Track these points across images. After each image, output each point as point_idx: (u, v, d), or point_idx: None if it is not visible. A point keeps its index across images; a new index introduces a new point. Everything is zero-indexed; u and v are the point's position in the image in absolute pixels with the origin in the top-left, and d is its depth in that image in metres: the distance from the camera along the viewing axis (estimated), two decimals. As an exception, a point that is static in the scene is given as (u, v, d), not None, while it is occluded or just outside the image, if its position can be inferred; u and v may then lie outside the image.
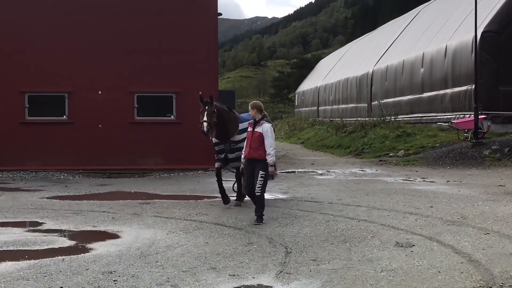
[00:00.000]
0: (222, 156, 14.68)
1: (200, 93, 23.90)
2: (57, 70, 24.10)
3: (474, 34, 27.68)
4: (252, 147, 11.98)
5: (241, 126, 14.31)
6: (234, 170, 15.16)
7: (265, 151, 11.90)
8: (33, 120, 24.09)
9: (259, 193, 11.96)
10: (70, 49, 24.19)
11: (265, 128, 12.04)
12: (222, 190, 14.54)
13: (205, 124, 13.23)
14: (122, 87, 24.32)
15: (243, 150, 12.60)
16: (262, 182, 11.91)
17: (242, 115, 15.33)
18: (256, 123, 12.18)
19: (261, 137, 11.94)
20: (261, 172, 11.86)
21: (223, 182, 14.81)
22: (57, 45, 24.20)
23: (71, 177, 22.30)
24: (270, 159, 11.89)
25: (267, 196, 16.46)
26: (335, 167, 24.68)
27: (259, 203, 12.08)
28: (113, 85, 24.31)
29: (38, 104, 24.31)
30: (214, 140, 14.66)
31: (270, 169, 11.95)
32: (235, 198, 15.04)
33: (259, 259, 9.07)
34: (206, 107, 13.39)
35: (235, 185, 15.22)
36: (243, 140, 13.39)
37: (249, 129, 12.36)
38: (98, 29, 24.37)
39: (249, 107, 12.49)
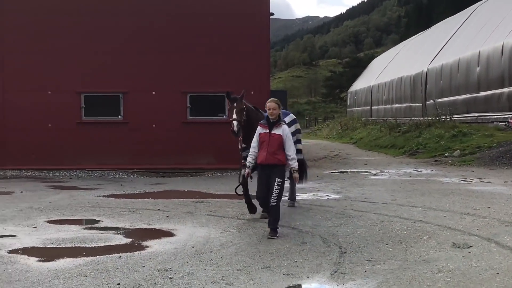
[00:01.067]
0: None
1: (252, 92, 24.22)
2: (112, 71, 24.40)
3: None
4: (269, 152, 10.58)
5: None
6: None
7: (284, 155, 10.69)
8: (89, 120, 24.44)
9: (274, 203, 10.59)
10: (125, 50, 24.49)
11: (286, 129, 10.81)
12: (248, 199, 12.97)
13: (235, 122, 11.87)
14: (175, 88, 24.52)
15: (251, 153, 11.10)
16: (278, 190, 10.58)
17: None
18: (274, 124, 10.81)
19: (280, 139, 10.62)
20: (277, 179, 10.54)
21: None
22: (112, 46, 24.52)
23: (126, 176, 22.57)
24: (294, 164, 10.75)
25: (320, 195, 16.46)
26: (389, 167, 24.48)
27: (275, 215, 10.70)
28: (167, 86, 24.53)
29: (93, 104, 24.65)
30: (240, 144, 12.99)
31: (295, 175, 10.95)
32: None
33: (313, 258, 9.06)
34: (235, 104, 12.12)
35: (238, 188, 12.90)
36: None
37: (262, 130, 10.87)
38: (153, 31, 24.60)
39: (274, 103, 10.94)
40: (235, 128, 11.80)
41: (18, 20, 24.42)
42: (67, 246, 10.05)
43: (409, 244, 9.96)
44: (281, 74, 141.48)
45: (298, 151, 12.97)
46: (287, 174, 11.37)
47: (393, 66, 61.08)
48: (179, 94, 24.57)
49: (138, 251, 9.74)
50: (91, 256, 9.36)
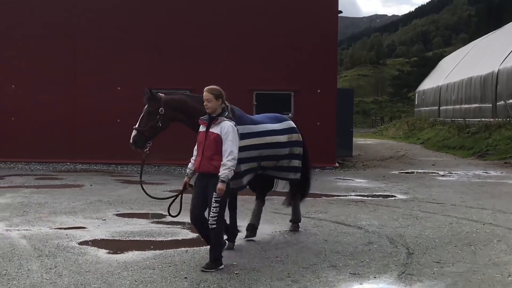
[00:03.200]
0: None
1: (318, 91, 24.17)
2: (185, 70, 24.60)
3: None
4: (205, 156, 8.15)
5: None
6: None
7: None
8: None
9: (214, 225, 8.08)
10: (193, 47, 24.66)
11: (226, 127, 8.11)
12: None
13: (133, 132, 9.28)
14: (242, 85, 24.56)
15: (192, 158, 8.63)
16: (217, 209, 8.02)
17: (256, 117, 11.03)
18: (212, 120, 8.26)
19: (218, 139, 8.07)
20: (215, 194, 7.94)
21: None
22: (180, 42, 24.74)
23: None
24: (222, 171, 7.95)
25: (386, 195, 16.27)
26: (458, 168, 24.11)
27: (214, 240, 8.23)
28: (233, 83, 24.60)
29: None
30: None
31: (219, 185, 7.88)
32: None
33: (380, 259, 8.99)
34: (146, 106, 9.28)
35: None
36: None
37: (201, 128, 8.37)
38: (222, 30, 24.69)
39: (209, 94, 8.32)
40: (131, 140, 9.25)
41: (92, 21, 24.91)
42: (135, 239, 10.22)
43: (479, 247, 9.80)
44: (347, 73, 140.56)
45: (294, 169, 10.60)
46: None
47: (463, 66, 60.06)
48: (245, 91, 24.57)
49: (204, 246, 9.79)
50: (159, 250, 9.52)
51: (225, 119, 8.19)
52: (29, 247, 9.66)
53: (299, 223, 11.27)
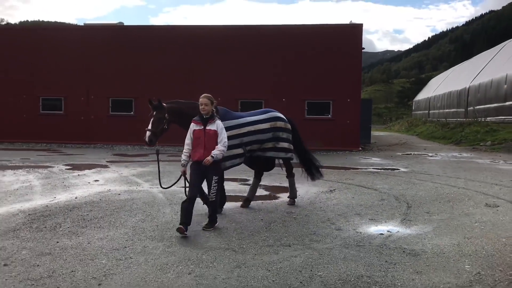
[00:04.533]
0: None
1: (348, 100, 24.00)
2: (257, 85, 24.77)
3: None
4: (207, 148, 7.24)
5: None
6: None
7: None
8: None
9: (213, 199, 7.35)
10: (265, 72, 24.77)
11: (220, 124, 7.43)
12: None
13: (147, 133, 8.14)
14: (298, 96, 24.59)
15: (185, 151, 7.47)
16: (216, 186, 7.35)
17: (244, 113, 9.34)
18: (208, 120, 7.37)
19: (216, 135, 7.32)
20: (214, 177, 7.27)
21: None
22: (257, 71, 24.88)
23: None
24: (215, 152, 7.18)
25: (393, 168, 16.04)
26: (441, 151, 23.55)
27: (213, 208, 7.44)
28: (292, 95, 24.62)
29: (246, 106, 25.09)
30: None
31: (208, 158, 7.10)
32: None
33: (389, 210, 8.89)
34: (154, 113, 8.20)
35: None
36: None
37: (196, 127, 7.35)
38: (284, 62, 24.74)
39: (206, 99, 7.39)
40: (147, 139, 8.15)
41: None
42: (229, 194, 10.33)
43: (455, 203, 9.58)
44: (367, 89, 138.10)
45: (283, 150, 9.39)
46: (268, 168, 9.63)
47: (445, 83, 59.42)
48: (299, 100, 24.61)
49: (273, 200, 9.89)
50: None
51: (218, 119, 7.45)
52: (164, 198, 9.90)
53: (295, 199, 9.66)
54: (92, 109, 26.02)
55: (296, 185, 10.00)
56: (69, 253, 6.04)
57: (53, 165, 15.99)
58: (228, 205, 9.06)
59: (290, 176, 9.76)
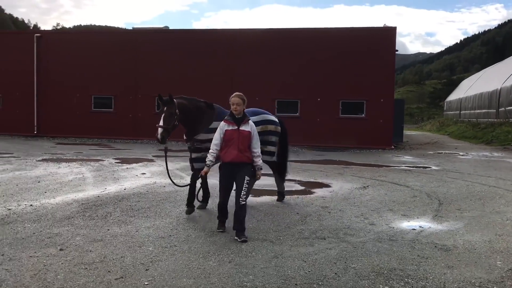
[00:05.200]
0: (193, 156, 7.91)
1: (382, 100, 23.67)
2: (294, 85, 24.69)
3: None
4: (240, 149, 6.42)
5: (214, 124, 7.40)
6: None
7: (251, 153, 6.55)
8: (282, 116, 24.88)
9: (244, 202, 6.38)
10: (302, 74, 24.67)
11: (253, 126, 6.64)
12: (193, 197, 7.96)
13: (159, 130, 7.24)
14: (333, 96, 24.40)
15: (212, 151, 6.59)
16: (247, 189, 6.44)
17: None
18: (241, 120, 6.53)
19: (250, 136, 6.50)
20: (247, 177, 6.42)
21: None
22: (294, 71, 24.80)
23: (300, 149, 22.76)
24: (259, 162, 6.60)
25: (425, 166, 15.70)
26: (472, 151, 22.94)
27: (243, 214, 6.40)
28: (327, 95, 24.45)
29: (281, 106, 25.06)
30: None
31: (258, 172, 6.63)
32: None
33: (421, 206, 8.73)
34: (165, 108, 7.34)
35: (200, 192, 8.29)
36: (209, 140, 7.09)
37: (228, 126, 6.49)
38: (319, 63, 24.58)
39: (239, 99, 6.53)
40: (159, 136, 7.22)
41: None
42: (266, 189, 10.32)
43: (486, 201, 9.33)
44: (399, 89, 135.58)
45: (269, 153, 8.57)
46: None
47: (476, 85, 57.78)
48: (334, 100, 24.43)
49: (308, 195, 9.82)
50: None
51: (250, 119, 6.65)
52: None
53: (284, 194, 9.15)
54: (139, 107, 26.49)
55: (331, 181, 9.93)
56: (119, 240, 6.17)
57: (103, 159, 16.35)
58: (265, 198, 9.08)
59: (276, 176, 9.21)
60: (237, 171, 6.43)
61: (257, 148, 6.56)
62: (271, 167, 9.12)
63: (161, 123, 7.24)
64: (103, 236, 6.35)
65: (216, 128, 6.82)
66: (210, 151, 6.60)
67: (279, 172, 9.17)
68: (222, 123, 6.57)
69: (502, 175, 13.55)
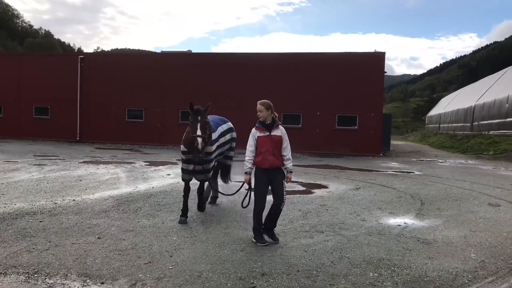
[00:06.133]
0: (191, 167, 6.73)
1: (372, 114, 23.57)
2: (297, 101, 24.63)
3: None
4: (275, 154, 5.67)
5: (214, 135, 6.91)
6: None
7: (282, 157, 5.75)
8: (287, 127, 24.85)
9: (283, 204, 5.79)
10: (300, 89, 24.62)
11: (283, 130, 5.88)
12: (186, 205, 6.87)
13: (199, 139, 6.17)
14: (330, 111, 24.31)
15: (250, 158, 5.73)
16: (285, 191, 5.76)
17: (212, 120, 7.20)
18: (272, 126, 5.77)
19: (281, 141, 5.74)
20: (283, 181, 5.73)
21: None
22: (293, 88, 24.77)
23: (302, 156, 22.69)
24: (290, 165, 5.84)
25: (409, 171, 15.57)
26: (450, 158, 22.74)
27: (279, 215, 5.88)
28: (325, 109, 24.37)
29: (288, 119, 25.06)
30: (182, 148, 6.74)
31: (289, 175, 5.85)
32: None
33: (406, 205, 8.66)
34: (199, 118, 6.27)
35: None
36: (214, 151, 6.83)
37: (260, 133, 5.72)
38: (321, 81, 24.55)
39: (261, 105, 5.83)
40: (200, 146, 6.12)
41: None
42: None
43: (462, 202, 9.24)
44: (387, 105, 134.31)
45: (230, 158, 8.08)
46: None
47: (454, 102, 57.57)
48: (331, 114, 24.31)
49: (309, 195, 9.78)
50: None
51: (280, 124, 5.91)
52: (221, 190, 9.95)
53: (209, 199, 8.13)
54: (166, 118, 26.59)
55: (328, 183, 9.88)
56: (147, 231, 6.18)
57: (135, 162, 16.42)
58: (270, 197, 9.08)
59: (223, 178, 8.30)
60: (273, 176, 5.70)
61: (287, 152, 5.80)
62: (226, 171, 8.20)
63: (198, 132, 6.19)
64: (134, 227, 6.37)
65: (216, 140, 6.45)
66: (248, 158, 5.74)
67: (223, 173, 8.22)
68: (254, 130, 5.80)
69: (475, 179, 13.42)
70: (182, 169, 6.86)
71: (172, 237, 5.88)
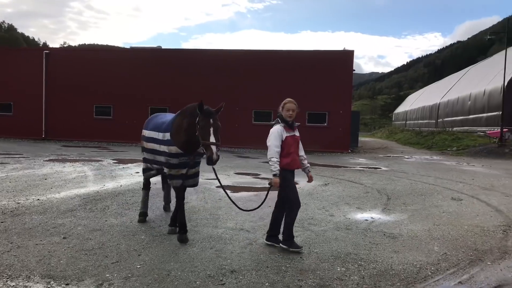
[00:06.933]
0: (184, 171, 5.61)
1: (341, 112, 23.89)
2: (268, 99, 24.64)
3: (502, 82, 25.23)
4: (298, 155, 5.45)
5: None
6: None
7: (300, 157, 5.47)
8: (258, 124, 24.87)
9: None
10: (274, 88, 24.70)
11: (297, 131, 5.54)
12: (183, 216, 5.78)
13: (214, 148, 4.97)
14: (300, 108, 24.37)
15: (277, 159, 5.17)
16: None
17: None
18: (293, 126, 5.50)
19: (299, 141, 5.53)
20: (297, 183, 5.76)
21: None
22: (264, 86, 24.83)
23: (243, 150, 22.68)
24: (308, 163, 5.60)
25: (376, 167, 15.86)
26: (415, 154, 23.36)
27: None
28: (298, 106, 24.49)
29: (259, 115, 25.03)
30: (175, 150, 5.51)
31: (311, 174, 5.63)
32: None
33: (372, 200, 8.83)
34: (211, 121, 5.09)
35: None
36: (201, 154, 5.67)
37: (288, 133, 5.32)
38: (290, 78, 24.68)
39: (293, 104, 5.64)
40: (215, 157, 4.93)
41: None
42: (244, 186, 10.34)
43: (426, 196, 9.51)
44: (356, 103, 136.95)
45: None
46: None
47: (420, 100, 58.91)
48: (302, 111, 24.21)
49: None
50: (256, 191, 9.56)
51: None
52: (192, 189, 9.87)
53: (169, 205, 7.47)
54: (134, 115, 26.13)
55: (297, 179, 9.88)
56: (115, 230, 6.07)
57: (103, 159, 16.09)
58: (242, 194, 9.07)
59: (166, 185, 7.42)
60: (292, 177, 5.46)
61: (303, 152, 5.58)
62: (164, 179, 7.20)
63: (212, 139, 5.00)
64: (101, 226, 6.24)
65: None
66: (276, 159, 5.17)
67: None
68: (281, 129, 5.32)
69: (440, 175, 13.82)
70: (170, 174, 5.64)
71: (141, 236, 5.79)
